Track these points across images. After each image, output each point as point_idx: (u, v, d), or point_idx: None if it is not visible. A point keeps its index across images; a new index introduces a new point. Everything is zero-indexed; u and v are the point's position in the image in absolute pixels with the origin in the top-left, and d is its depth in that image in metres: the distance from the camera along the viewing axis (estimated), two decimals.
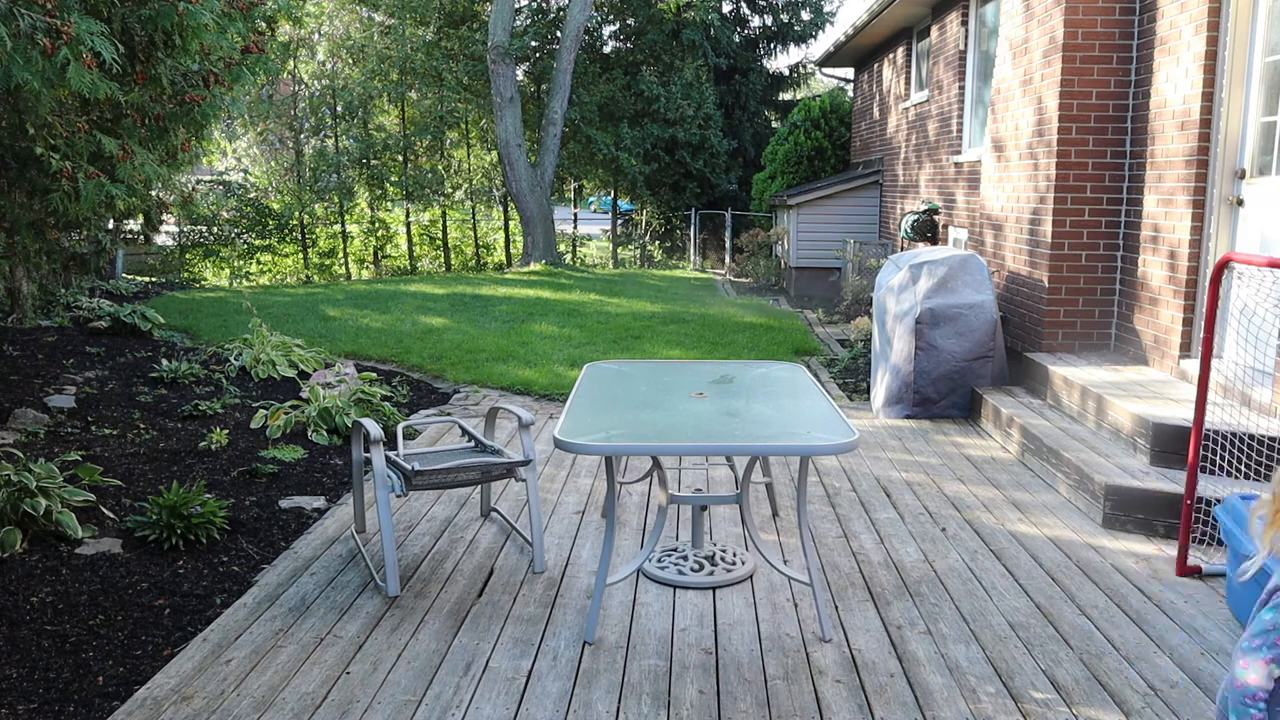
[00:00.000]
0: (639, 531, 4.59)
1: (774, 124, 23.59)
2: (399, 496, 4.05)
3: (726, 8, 23.12)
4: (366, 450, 4.17)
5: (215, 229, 21.26)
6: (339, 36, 22.51)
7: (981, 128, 9.83)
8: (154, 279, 17.02)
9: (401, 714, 3.00)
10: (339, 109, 22.47)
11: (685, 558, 4.15)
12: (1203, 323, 5.64)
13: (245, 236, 21.74)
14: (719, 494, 4.12)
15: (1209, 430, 4.70)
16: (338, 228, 23.84)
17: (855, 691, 3.15)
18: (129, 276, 15.69)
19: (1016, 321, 7.26)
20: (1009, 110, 7.55)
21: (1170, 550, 4.34)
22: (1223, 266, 4.00)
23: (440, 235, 25.13)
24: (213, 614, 3.72)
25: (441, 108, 21.56)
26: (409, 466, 3.92)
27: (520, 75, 21.60)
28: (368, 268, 24.48)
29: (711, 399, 3.88)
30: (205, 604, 3.82)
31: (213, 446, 5.72)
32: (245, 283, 20.77)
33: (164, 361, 7.66)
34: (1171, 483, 4.65)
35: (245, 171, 23.44)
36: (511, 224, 24.99)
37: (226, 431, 5.94)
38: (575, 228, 25.82)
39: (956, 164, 10.27)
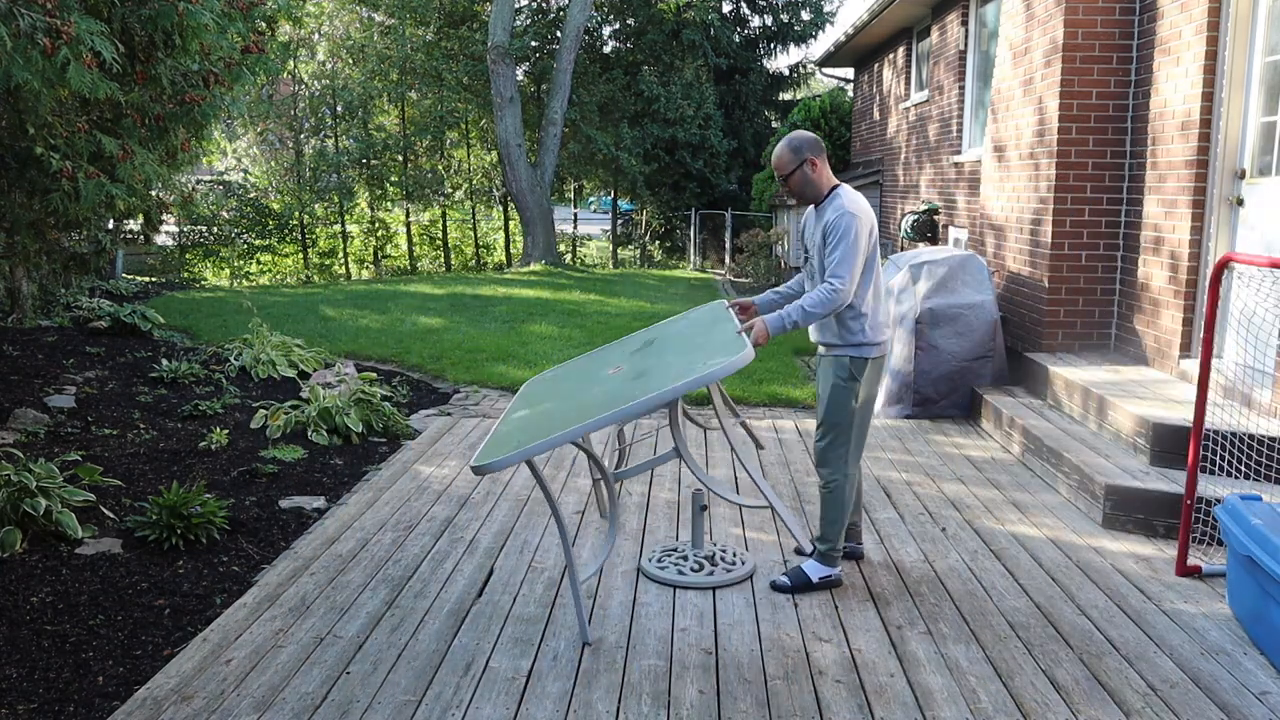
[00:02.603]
0: (639, 532, 4.59)
1: (774, 124, 23.59)
2: None
3: (726, 8, 23.13)
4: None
5: (215, 229, 21.27)
6: (339, 36, 22.51)
7: (981, 129, 9.83)
8: (154, 279, 17.02)
9: (401, 714, 3.00)
10: (339, 109, 22.47)
11: (685, 558, 4.15)
12: (1203, 323, 5.64)
13: (245, 236, 21.74)
14: (660, 455, 4.07)
15: (1209, 431, 4.70)
16: (338, 228, 23.85)
17: (855, 691, 3.15)
18: (129, 276, 15.69)
19: (1017, 321, 7.26)
20: (1009, 111, 7.55)
21: (1170, 550, 4.34)
22: (1223, 267, 4.00)
23: (440, 235, 25.14)
24: (213, 614, 3.72)
25: (441, 108, 21.56)
26: None
27: (520, 75, 21.60)
28: (368, 268, 24.49)
29: (626, 369, 3.81)
30: (205, 604, 3.82)
31: (213, 446, 5.72)
32: (245, 282, 20.77)
33: (164, 361, 7.66)
34: (1171, 483, 4.65)
35: (245, 171, 23.45)
36: (511, 224, 25.00)
37: (226, 431, 5.94)
38: (575, 228, 25.84)
39: (956, 164, 10.27)
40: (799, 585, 3.89)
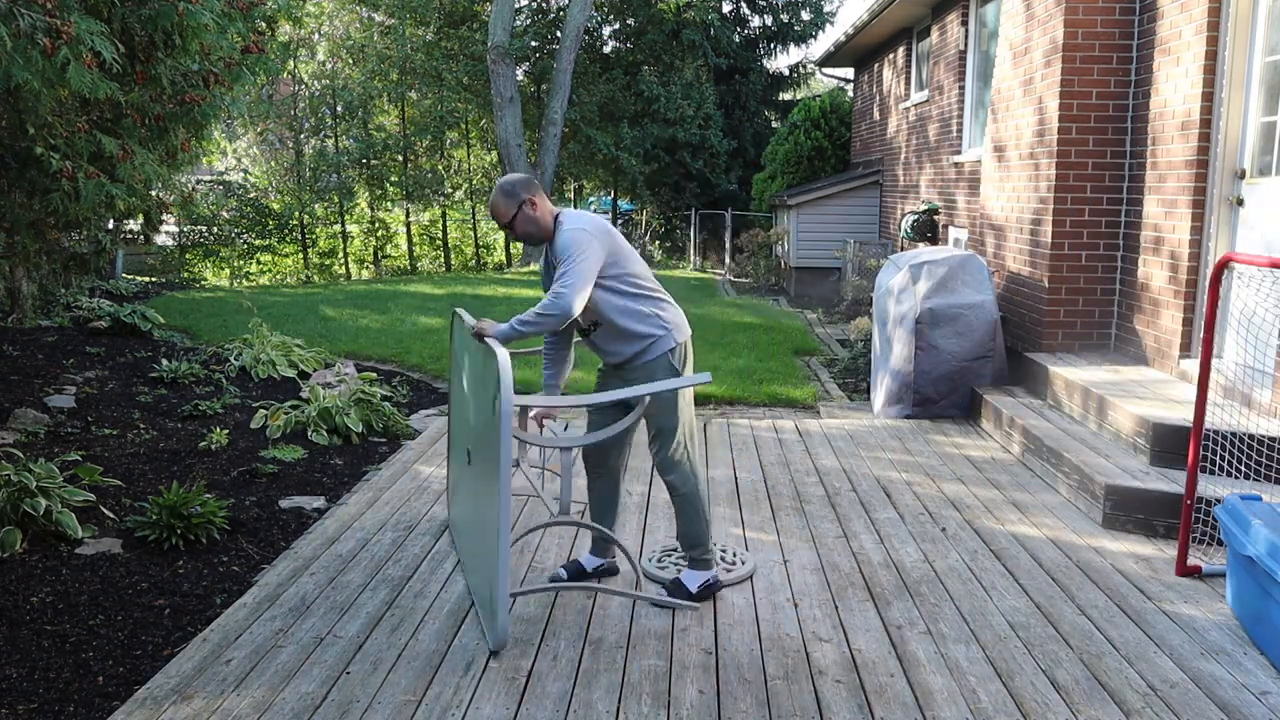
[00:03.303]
0: (639, 532, 4.59)
1: (774, 124, 23.58)
2: None
3: (726, 8, 23.12)
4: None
5: (215, 229, 21.28)
6: (339, 36, 22.53)
7: (981, 129, 9.83)
8: (154, 279, 17.02)
9: (401, 714, 3.00)
10: (339, 109, 22.49)
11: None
12: (1203, 323, 5.64)
13: (245, 236, 21.76)
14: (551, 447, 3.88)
15: (1209, 430, 4.70)
16: (338, 228, 23.86)
17: (855, 691, 3.15)
18: (129, 276, 15.69)
19: (1017, 321, 7.26)
20: (1009, 111, 7.55)
21: (1170, 550, 4.34)
22: (1222, 266, 4.00)
23: (440, 235, 25.15)
24: (213, 614, 3.72)
25: (441, 108, 21.57)
26: None
27: (520, 75, 21.60)
28: (368, 268, 24.51)
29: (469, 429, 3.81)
30: (205, 604, 3.82)
31: (213, 446, 5.72)
32: (245, 282, 20.78)
33: (164, 361, 7.66)
34: (1171, 483, 4.65)
35: (245, 171, 23.47)
36: None
37: (226, 431, 5.94)
38: None
39: (956, 164, 10.27)
40: (680, 598, 3.76)
